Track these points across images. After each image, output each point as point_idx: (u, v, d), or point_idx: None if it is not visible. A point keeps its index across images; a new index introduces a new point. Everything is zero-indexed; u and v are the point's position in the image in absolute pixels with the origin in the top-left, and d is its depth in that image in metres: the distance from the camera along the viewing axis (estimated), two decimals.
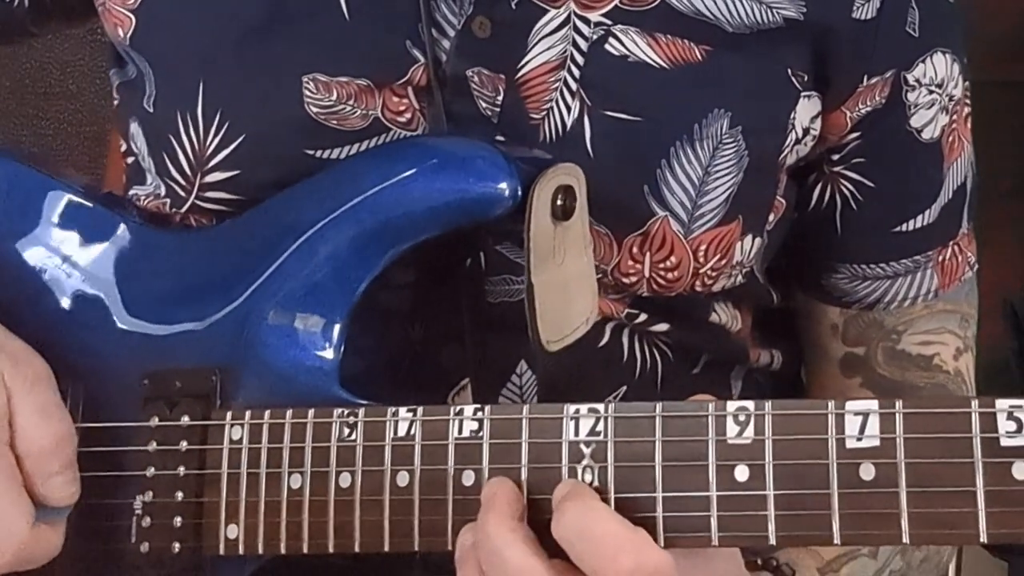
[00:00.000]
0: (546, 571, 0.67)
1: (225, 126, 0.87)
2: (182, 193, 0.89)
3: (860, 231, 0.96)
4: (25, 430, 0.76)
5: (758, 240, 0.92)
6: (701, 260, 0.89)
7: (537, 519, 0.70)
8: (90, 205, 0.88)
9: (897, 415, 0.66)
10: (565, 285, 0.81)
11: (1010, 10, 1.89)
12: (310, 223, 0.81)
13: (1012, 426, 0.64)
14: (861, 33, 0.89)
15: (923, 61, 0.92)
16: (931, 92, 0.93)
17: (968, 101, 0.97)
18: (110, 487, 0.81)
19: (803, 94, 0.89)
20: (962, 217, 0.98)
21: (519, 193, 0.79)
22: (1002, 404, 0.65)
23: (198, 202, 0.89)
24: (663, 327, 0.93)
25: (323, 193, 0.82)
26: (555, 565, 0.68)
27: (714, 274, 0.90)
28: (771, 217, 0.93)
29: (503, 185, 0.79)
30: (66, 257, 0.87)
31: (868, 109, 0.91)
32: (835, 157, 0.94)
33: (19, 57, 1.97)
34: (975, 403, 0.65)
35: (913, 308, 0.98)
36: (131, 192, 0.94)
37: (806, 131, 0.90)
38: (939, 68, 0.93)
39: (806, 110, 0.90)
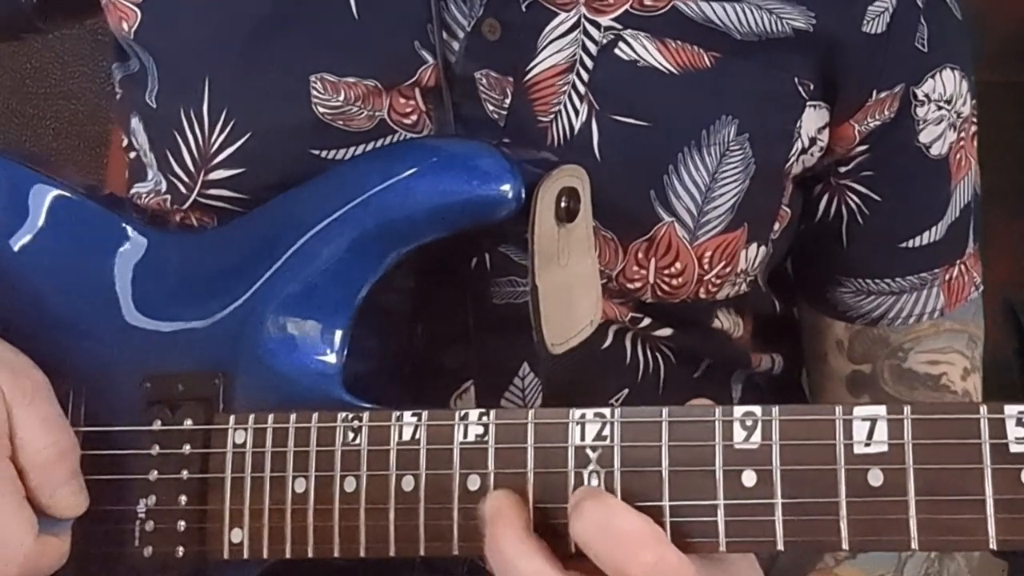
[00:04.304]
0: None
1: (231, 124, 0.87)
2: (184, 190, 0.89)
3: (866, 245, 0.96)
4: (27, 443, 0.75)
5: (763, 249, 0.91)
6: (706, 267, 0.88)
7: (545, 527, 0.70)
8: (90, 207, 0.88)
9: (905, 421, 0.66)
10: (569, 287, 0.81)
11: (1011, 11, 1.89)
12: (311, 225, 0.81)
13: (1021, 432, 0.64)
14: (871, 47, 0.89)
15: (932, 77, 0.91)
16: (940, 108, 0.92)
17: (975, 120, 0.97)
18: (113, 491, 0.81)
19: (809, 103, 0.89)
20: (968, 236, 0.98)
21: (523, 195, 0.78)
22: (1011, 410, 0.65)
23: (200, 199, 0.88)
24: (666, 332, 0.92)
25: (325, 195, 0.82)
26: (571, 575, 0.67)
27: (718, 281, 0.90)
28: (776, 226, 0.92)
29: (506, 187, 0.78)
30: (66, 259, 0.86)
31: (877, 123, 0.91)
32: (842, 169, 0.94)
33: (19, 57, 1.97)
34: (983, 409, 0.65)
35: (919, 326, 0.97)
36: (132, 190, 0.94)
37: (812, 141, 0.90)
38: (948, 84, 0.92)
39: (812, 120, 0.89)
